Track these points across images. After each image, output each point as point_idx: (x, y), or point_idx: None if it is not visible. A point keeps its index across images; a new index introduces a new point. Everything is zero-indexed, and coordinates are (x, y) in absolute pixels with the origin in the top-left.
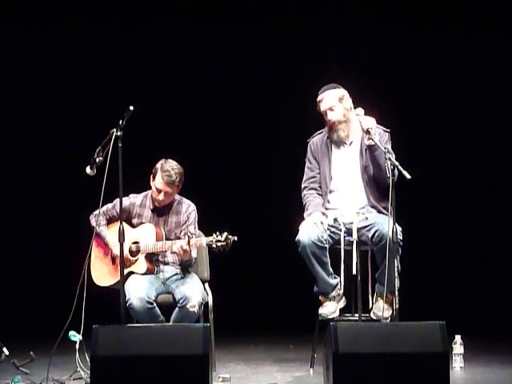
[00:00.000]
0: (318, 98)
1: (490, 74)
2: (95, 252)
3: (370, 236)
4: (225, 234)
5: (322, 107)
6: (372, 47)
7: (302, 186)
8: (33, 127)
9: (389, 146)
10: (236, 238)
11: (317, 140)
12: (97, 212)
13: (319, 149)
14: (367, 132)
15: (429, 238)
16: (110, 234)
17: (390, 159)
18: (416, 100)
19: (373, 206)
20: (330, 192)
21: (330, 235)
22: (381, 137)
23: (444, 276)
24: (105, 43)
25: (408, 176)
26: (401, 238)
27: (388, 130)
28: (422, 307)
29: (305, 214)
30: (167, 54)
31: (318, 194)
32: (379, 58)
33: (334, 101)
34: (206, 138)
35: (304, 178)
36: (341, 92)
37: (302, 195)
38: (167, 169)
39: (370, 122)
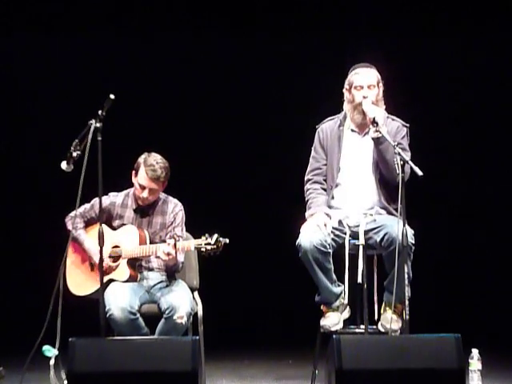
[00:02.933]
0: (356, 71)
1: None
2: (71, 258)
3: (378, 240)
4: (215, 236)
5: (359, 81)
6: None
7: (305, 178)
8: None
9: (404, 143)
10: (228, 241)
11: (327, 127)
12: (73, 213)
13: (329, 136)
14: (373, 122)
15: (442, 242)
16: (88, 237)
17: (399, 154)
18: (434, 92)
19: (383, 207)
20: (337, 186)
21: (333, 239)
22: (397, 131)
23: (459, 284)
24: (85, 30)
25: (420, 173)
26: (412, 241)
27: (407, 125)
28: (434, 318)
29: (307, 214)
30: (151, 44)
31: (323, 189)
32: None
33: (374, 80)
34: (193, 129)
35: (308, 169)
36: (379, 76)
37: (305, 189)
38: (151, 163)
39: (378, 111)
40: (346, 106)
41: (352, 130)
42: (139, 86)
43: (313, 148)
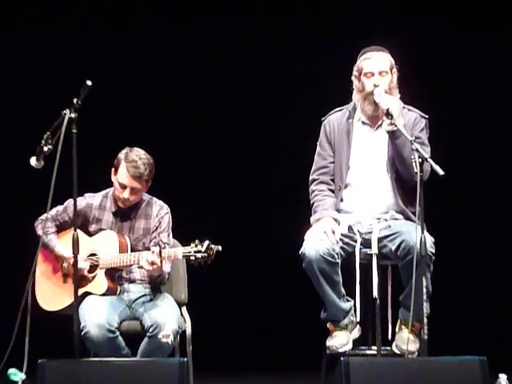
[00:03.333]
0: (365, 55)
1: None
2: (41, 267)
3: (393, 248)
4: (206, 243)
5: (370, 67)
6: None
7: (310, 178)
8: None
9: (423, 136)
10: (220, 249)
11: (334, 119)
12: (44, 216)
13: (337, 130)
14: (388, 114)
15: (464, 251)
16: (61, 244)
17: (417, 150)
18: (456, 85)
19: (400, 211)
20: (346, 186)
21: (342, 247)
22: (414, 123)
23: (485, 299)
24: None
25: (441, 172)
26: (433, 250)
27: (426, 116)
28: (457, 338)
29: (312, 219)
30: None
31: (330, 191)
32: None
33: (387, 66)
34: (181, 121)
35: (313, 167)
36: (392, 61)
37: (310, 191)
38: (133, 159)
39: (392, 101)
40: (356, 96)
41: (363, 123)
42: (121, 73)
43: (318, 143)
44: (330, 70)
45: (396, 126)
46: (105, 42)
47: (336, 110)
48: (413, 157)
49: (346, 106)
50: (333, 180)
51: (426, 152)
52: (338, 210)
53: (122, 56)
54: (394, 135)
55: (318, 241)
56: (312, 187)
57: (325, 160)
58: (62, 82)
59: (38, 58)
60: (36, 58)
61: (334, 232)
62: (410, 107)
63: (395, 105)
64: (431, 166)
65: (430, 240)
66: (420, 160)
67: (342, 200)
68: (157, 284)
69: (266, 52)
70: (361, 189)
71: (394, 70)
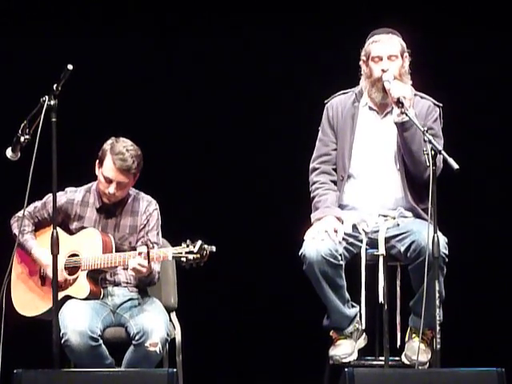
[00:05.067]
0: (374, 38)
1: None
2: (17, 270)
3: (403, 249)
4: (198, 242)
5: (378, 51)
6: None
7: (311, 166)
8: None
9: (437, 127)
10: (214, 249)
11: (338, 102)
12: (20, 213)
13: (340, 114)
14: (398, 103)
15: (479, 252)
16: (39, 244)
17: (430, 141)
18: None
19: (409, 209)
20: (349, 178)
21: (346, 248)
22: (428, 112)
23: (503, 306)
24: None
25: (456, 166)
26: (446, 252)
27: (440, 105)
28: (472, 348)
29: (312, 217)
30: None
31: (332, 182)
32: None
33: (397, 50)
34: (170, 110)
35: (314, 154)
36: (403, 44)
37: (310, 181)
38: (120, 150)
39: (403, 89)
40: (363, 82)
41: (370, 108)
42: (107, 59)
43: (320, 128)
44: (336, 54)
45: (407, 115)
46: (86, 29)
47: (340, 92)
48: (425, 149)
49: (352, 89)
50: (335, 170)
51: (439, 144)
52: (341, 205)
53: (107, 42)
54: (403, 126)
55: (320, 241)
56: (312, 177)
57: (327, 146)
58: (40, 67)
59: (15, 42)
60: (13, 43)
61: (336, 231)
62: (423, 94)
63: (407, 93)
64: (445, 160)
65: (443, 240)
66: (433, 153)
67: (344, 192)
68: (146, 285)
69: (261, 36)
70: (365, 181)
71: (406, 54)
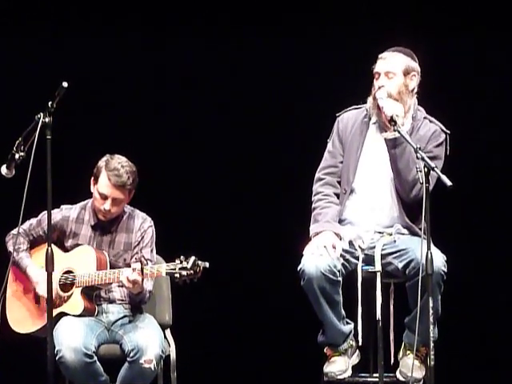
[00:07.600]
0: (381, 55)
1: None
2: (12, 287)
3: (400, 266)
4: (192, 259)
5: (377, 67)
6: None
7: (316, 176)
8: None
9: (437, 152)
10: (208, 265)
11: (350, 117)
12: (15, 231)
13: (350, 129)
14: (391, 121)
15: (476, 270)
16: (34, 262)
17: (422, 158)
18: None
19: (406, 227)
20: (351, 192)
21: (342, 264)
22: (432, 136)
23: (499, 324)
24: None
25: (449, 183)
26: (445, 269)
27: (447, 131)
28: (467, 365)
29: (311, 229)
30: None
31: (335, 195)
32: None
33: (398, 68)
34: (165, 128)
35: (321, 164)
36: (411, 64)
37: (313, 190)
38: (115, 166)
39: (397, 107)
40: (369, 99)
41: (379, 126)
42: (101, 76)
43: (329, 140)
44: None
45: (399, 132)
46: (81, 42)
47: (353, 107)
48: (418, 166)
49: (364, 105)
50: (340, 183)
51: (437, 164)
52: (340, 220)
53: (101, 57)
54: (392, 143)
55: (319, 256)
56: (317, 187)
57: (334, 158)
58: (35, 84)
59: (9, 57)
60: (6, 58)
61: (334, 247)
62: (432, 118)
63: (399, 111)
64: (438, 178)
65: (441, 258)
66: (426, 170)
67: (345, 207)
68: (136, 303)
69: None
70: (365, 197)
71: (414, 73)
